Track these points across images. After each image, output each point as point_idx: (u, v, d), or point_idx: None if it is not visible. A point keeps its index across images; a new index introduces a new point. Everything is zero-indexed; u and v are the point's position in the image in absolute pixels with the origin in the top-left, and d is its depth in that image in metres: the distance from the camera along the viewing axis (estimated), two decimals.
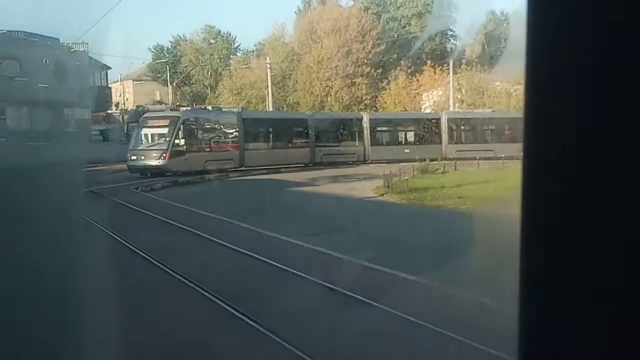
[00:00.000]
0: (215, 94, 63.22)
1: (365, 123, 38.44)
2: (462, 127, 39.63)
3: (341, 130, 38.28)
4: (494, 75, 46.16)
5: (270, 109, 49.75)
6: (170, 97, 52.95)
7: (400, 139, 39.30)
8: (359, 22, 57.91)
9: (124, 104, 63.30)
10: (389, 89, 56.15)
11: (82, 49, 44.81)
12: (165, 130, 29.34)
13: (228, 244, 11.86)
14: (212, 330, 7.06)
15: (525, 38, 1.09)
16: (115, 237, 12.38)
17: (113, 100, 62.66)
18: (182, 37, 69.29)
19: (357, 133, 38.13)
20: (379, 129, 38.93)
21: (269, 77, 50.90)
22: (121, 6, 79.42)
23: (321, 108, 53.78)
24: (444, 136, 38.86)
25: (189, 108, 34.03)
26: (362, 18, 58.64)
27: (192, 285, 8.72)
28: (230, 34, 69.33)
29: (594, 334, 1.08)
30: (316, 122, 37.26)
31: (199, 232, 13.30)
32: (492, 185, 21.76)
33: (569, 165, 1.09)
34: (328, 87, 56.39)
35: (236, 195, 22.84)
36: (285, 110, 54.64)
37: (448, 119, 39.65)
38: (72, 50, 43.95)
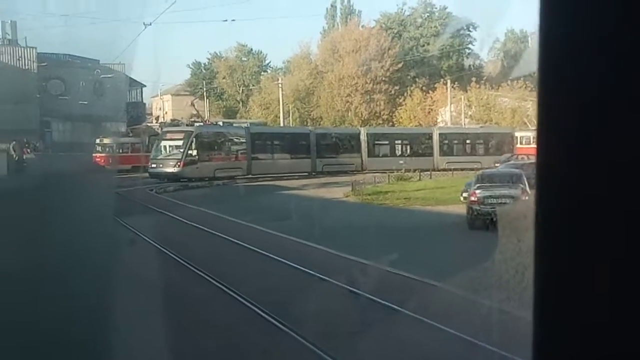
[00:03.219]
0: (246, 109, 68.13)
1: (363, 137, 43.00)
2: (453, 141, 43.81)
3: (340, 143, 42.75)
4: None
5: (287, 124, 54.31)
6: (206, 111, 58.04)
7: (395, 151, 43.46)
8: (378, 42, 61.95)
9: (163, 117, 68.31)
10: (405, 104, 60.11)
11: (119, 69, 50.33)
12: (180, 143, 34.48)
13: (196, 224, 16.61)
14: (156, 264, 11.69)
15: (538, 45, 1.13)
16: (119, 220, 17.08)
17: (153, 114, 68.20)
18: (217, 54, 74.72)
19: (355, 146, 42.60)
20: (375, 142, 43.33)
21: (280, 95, 55.53)
22: (155, 29, 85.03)
23: (342, 122, 58.20)
24: (436, 149, 43.05)
25: (201, 123, 39.11)
26: (381, 38, 62.62)
27: (156, 245, 13.42)
28: (261, 52, 74.52)
29: (609, 337, 1.07)
30: (317, 136, 42.04)
31: (180, 219, 18.06)
32: (444, 190, 25.87)
33: (583, 171, 1.09)
34: (348, 103, 60.49)
35: (230, 196, 27.59)
36: (309, 124, 58.54)
37: (439, 133, 43.96)
38: (110, 71, 49.46)
